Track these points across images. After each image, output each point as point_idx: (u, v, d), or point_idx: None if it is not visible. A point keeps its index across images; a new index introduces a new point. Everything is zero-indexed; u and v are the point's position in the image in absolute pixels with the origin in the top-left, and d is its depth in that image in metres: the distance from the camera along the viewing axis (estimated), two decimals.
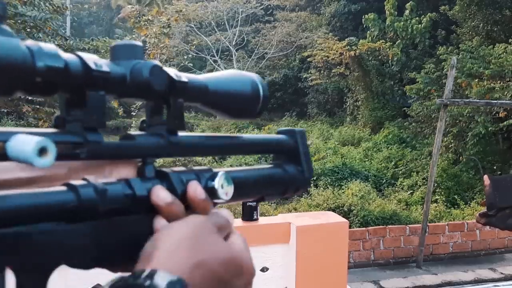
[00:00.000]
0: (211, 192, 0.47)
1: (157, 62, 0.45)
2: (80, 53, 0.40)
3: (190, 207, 0.46)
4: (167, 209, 0.44)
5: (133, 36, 17.49)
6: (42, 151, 0.36)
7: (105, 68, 0.41)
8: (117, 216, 0.41)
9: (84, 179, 0.40)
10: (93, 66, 0.40)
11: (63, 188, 0.39)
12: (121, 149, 0.43)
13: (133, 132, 0.46)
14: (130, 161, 0.45)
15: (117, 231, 0.41)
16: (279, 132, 0.59)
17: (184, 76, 0.47)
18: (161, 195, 0.44)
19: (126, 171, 0.45)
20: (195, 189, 0.46)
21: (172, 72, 0.46)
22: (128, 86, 0.43)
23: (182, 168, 0.48)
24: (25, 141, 0.35)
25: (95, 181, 0.40)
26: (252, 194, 0.55)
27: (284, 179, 0.56)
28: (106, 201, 0.40)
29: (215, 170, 0.50)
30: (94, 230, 0.39)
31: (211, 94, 0.50)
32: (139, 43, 0.45)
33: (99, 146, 0.41)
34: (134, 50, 0.44)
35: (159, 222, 0.44)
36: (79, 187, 0.39)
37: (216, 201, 0.48)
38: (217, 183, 0.47)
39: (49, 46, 0.38)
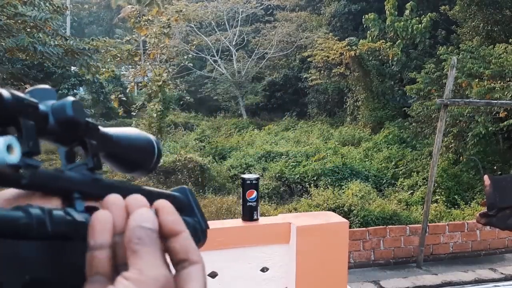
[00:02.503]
0: None
1: (72, 98, 0.45)
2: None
3: None
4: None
5: (133, 36, 17.50)
6: (9, 148, 0.38)
7: (33, 100, 0.42)
8: (61, 239, 0.41)
9: (27, 204, 0.40)
10: (22, 95, 0.41)
11: (10, 208, 0.39)
12: (54, 179, 0.43)
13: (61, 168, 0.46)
14: (55, 197, 0.44)
15: (61, 254, 0.42)
16: (173, 191, 0.62)
17: (96, 124, 0.48)
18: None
19: (54, 205, 0.44)
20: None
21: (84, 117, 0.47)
22: (51, 125, 0.43)
23: None
24: None
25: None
26: None
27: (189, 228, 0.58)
28: (53, 221, 0.40)
29: None
30: (42, 250, 0.40)
31: (114, 144, 0.52)
32: (52, 89, 0.46)
33: (37, 173, 0.41)
34: (48, 94, 0.45)
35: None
36: (27, 206, 0.39)
37: None
38: None
39: None
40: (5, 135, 0.39)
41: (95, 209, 0.45)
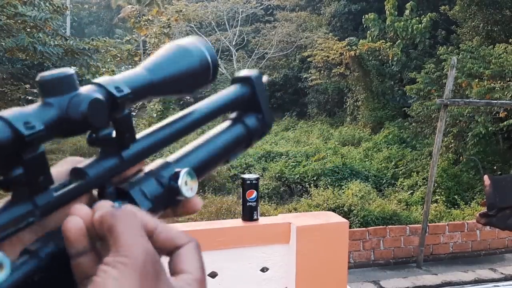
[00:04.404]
0: (176, 192, 0.45)
1: (91, 96, 0.41)
2: (4, 115, 0.36)
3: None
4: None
5: (133, 36, 17.51)
6: None
7: (38, 126, 0.37)
8: None
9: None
10: (24, 130, 0.36)
11: None
12: (76, 192, 0.41)
13: (85, 163, 0.43)
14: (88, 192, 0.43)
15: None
16: (233, 80, 0.56)
17: (127, 86, 0.43)
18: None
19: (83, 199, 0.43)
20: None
21: (112, 86, 0.42)
22: (66, 125, 0.40)
23: (140, 176, 0.45)
24: None
25: None
26: (220, 163, 0.53)
27: (247, 134, 0.54)
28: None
29: (169, 160, 0.47)
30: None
31: (157, 85, 0.46)
32: (70, 71, 0.41)
33: (51, 204, 0.39)
34: (66, 82, 0.40)
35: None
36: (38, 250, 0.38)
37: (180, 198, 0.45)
38: (180, 182, 0.44)
39: None
40: None
41: (126, 193, 0.43)
